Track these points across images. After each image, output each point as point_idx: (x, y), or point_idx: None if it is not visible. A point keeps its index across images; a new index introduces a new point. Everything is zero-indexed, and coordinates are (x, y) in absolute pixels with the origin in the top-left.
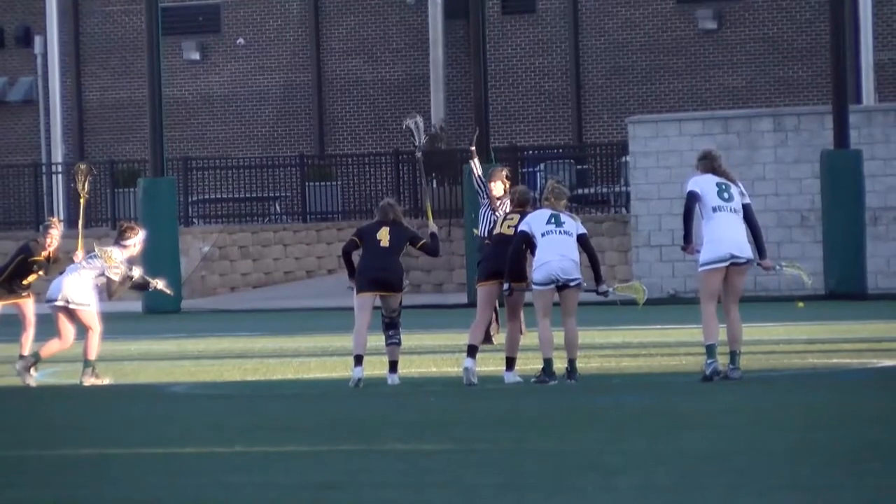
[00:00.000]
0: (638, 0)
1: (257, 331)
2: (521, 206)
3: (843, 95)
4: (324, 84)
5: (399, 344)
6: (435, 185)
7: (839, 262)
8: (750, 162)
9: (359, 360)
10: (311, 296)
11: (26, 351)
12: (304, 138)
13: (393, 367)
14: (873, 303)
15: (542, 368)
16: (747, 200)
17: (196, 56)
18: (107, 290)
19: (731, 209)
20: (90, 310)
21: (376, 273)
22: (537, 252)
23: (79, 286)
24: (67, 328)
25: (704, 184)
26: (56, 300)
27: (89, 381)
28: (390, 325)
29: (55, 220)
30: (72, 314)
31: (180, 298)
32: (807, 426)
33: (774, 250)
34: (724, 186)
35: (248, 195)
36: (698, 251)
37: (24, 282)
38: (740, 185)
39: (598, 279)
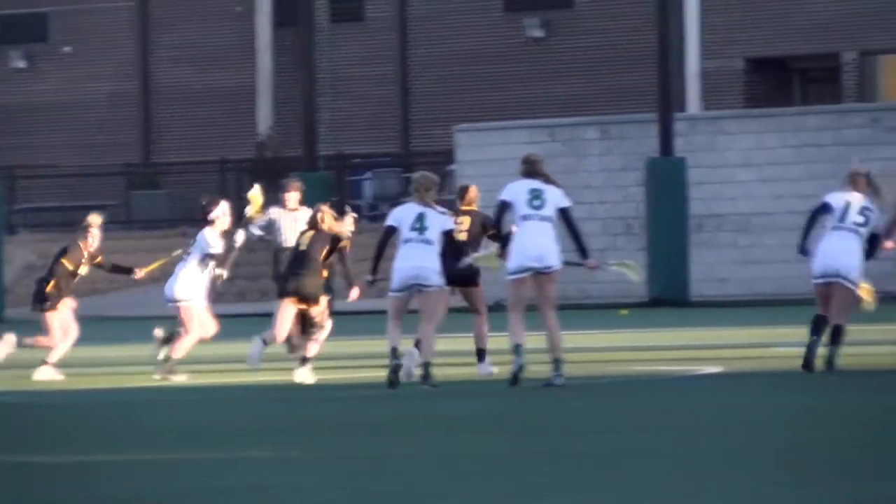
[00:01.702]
0: (466, 8)
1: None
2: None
3: (668, 103)
4: (151, 92)
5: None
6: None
7: (663, 270)
8: (576, 170)
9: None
10: (133, 304)
11: (54, 357)
12: (130, 147)
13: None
14: (696, 310)
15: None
16: (566, 203)
17: (22, 64)
18: (218, 263)
19: (539, 217)
20: (188, 305)
21: (290, 278)
22: (398, 258)
23: (184, 280)
24: (202, 322)
25: (516, 192)
26: (169, 300)
27: (161, 375)
28: (311, 326)
29: (92, 219)
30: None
31: (3, 307)
32: (636, 429)
33: (599, 258)
34: (536, 193)
35: (73, 204)
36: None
37: (74, 283)
38: (561, 188)
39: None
